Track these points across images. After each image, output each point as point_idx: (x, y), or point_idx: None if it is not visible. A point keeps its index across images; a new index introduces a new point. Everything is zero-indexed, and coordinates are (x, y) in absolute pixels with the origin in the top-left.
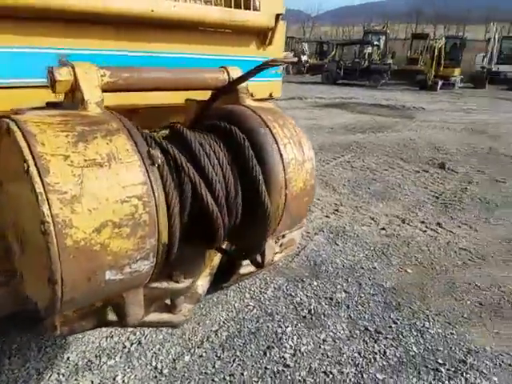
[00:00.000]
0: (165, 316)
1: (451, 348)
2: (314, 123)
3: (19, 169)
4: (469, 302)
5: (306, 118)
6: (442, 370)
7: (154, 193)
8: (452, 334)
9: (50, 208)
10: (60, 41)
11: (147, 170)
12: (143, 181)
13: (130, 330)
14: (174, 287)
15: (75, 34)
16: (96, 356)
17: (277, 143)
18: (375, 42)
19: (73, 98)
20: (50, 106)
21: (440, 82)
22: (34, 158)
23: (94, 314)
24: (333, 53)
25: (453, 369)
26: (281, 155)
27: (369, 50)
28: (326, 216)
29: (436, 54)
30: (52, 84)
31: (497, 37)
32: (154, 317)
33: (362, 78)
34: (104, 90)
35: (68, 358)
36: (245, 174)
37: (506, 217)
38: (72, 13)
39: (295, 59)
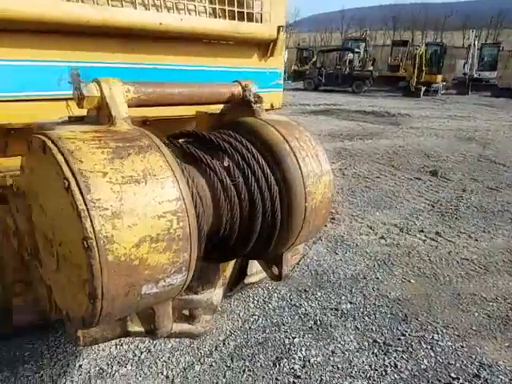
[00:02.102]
0: (185, 327)
1: (463, 362)
2: None
3: (58, 186)
4: (476, 314)
5: None
6: None
7: (186, 208)
8: (462, 347)
9: (92, 224)
10: (70, 54)
11: (180, 186)
12: (177, 196)
13: (138, 338)
14: (194, 298)
15: (85, 47)
16: (107, 364)
17: (296, 157)
18: (356, 49)
19: (98, 113)
20: (73, 120)
21: (423, 89)
22: (74, 175)
23: (116, 325)
24: (314, 59)
25: (467, 383)
26: (300, 169)
27: (349, 56)
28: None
29: (417, 60)
30: (79, 100)
31: (476, 43)
32: (174, 328)
33: (344, 85)
34: (128, 106)
35: (80, 366)
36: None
37: (505, 226)
38: (82, 26)
39: None
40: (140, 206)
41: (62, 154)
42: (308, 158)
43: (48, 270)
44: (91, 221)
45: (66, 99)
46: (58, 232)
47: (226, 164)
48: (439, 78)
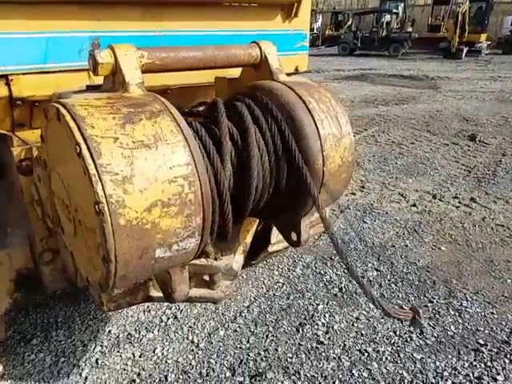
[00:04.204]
0: (205, 292)
1: (492, 328)
2: None
3: (71, 152)
4: (509, 281)
5: None
6: (484, 350)
7: (198, 173)
8: (492, 313)
9: (103, 189)
10: (90, 24)
11: (191, 151)
12: (188, 161)
13: (165, 304)
14: (213, 264)
15: (104, 16)
16: (135, 329)
17: (313, 119)
18: (394, 10)
19: (113, 80)
20: (91, 88)
21: (465, 49)
22: (85, 140)
23: (138, 290)
24: (349, 23)
25: (495, 349)
26: (317, 131)
27: (387, 18)
28: (352, 193)
29: (460, 19)
30: (94, 67)
31: None
32: (195, 292)
33: (381, 48)
34: (142, 71)
35: (109, 331)
36: (284, 154)
37: None
38: None
39: None
40: (151, 171)
41: (75, 121)
42: (327, 119)
43: (68, 236)
44: (102, 185)
45: (88, 70)
46: (73, 197)
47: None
48: (483, 36)
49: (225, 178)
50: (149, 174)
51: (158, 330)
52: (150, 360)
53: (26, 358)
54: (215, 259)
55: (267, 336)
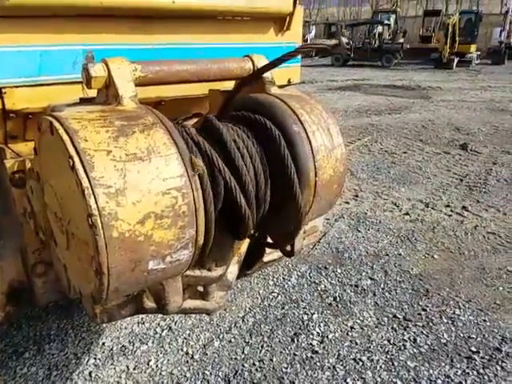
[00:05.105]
0: (199, 303)
1: (484, 336)
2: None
3: (64, 165)
4: (501, 288)
5: None
6: (476, 357)
7: (191, 184)
8: (485, 321)
9: (96, 202)
10: (85, 37)
11: (184, 163)
12: (181, 173)
13: (159, 316)
14: (207, 275)
15: (99, 29)
16: (129, 341)
17: (305, 131)
18: (386, 21)
19: (107, 93)
20: (84, 101)
21: (456, 60)
22: (78, 153)
23: (131, 302)
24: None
25: (487, 357)
26: (309, 143)
27: (379, 29)
28: (346, 202)
29: (450, 30)
30: (87, 81)
31: None
32: (189, 304)
33: (374, 59)
34: (136, 85)
35: (103, 344)
36: (276, 165)
37: None
38: (96, 8)
39: (326, 45)
40: (144, 183)
41: (68, 134)
42: (318, 131)
43: (61, 249)
44: (95, 198)
45: (81, 82)
46: (66, 210)
47: (239, 145)
48: (473, 47)
49: (230, 179)
50: (142, 186)
51: (153, 342)
52: (145, 372)
53: (18, 371)
54: (209, 270)
55: (262, 346)
